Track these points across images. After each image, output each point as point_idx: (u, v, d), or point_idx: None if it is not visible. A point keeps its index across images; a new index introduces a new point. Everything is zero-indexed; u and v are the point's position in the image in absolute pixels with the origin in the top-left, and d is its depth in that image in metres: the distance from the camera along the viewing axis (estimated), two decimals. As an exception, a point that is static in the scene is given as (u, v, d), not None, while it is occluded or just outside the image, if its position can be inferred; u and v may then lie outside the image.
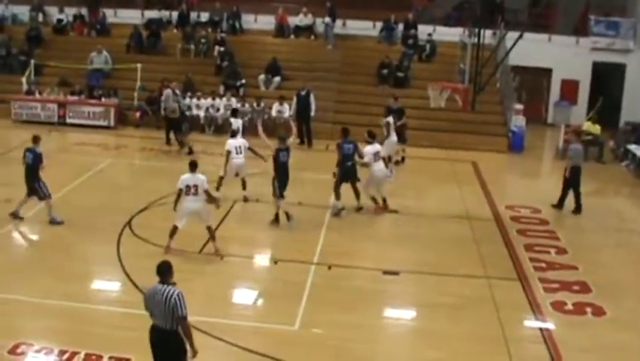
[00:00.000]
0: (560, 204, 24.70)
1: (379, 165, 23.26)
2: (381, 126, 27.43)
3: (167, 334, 11.68)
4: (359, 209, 23.24)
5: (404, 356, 14.89)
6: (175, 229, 19.04)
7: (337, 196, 22.91)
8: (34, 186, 21.32)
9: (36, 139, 21.82)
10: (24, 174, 21.48)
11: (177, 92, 32.26)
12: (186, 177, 18.95)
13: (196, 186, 18.80)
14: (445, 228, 22.53)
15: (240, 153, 23.69)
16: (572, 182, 24.42)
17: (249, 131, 31.07)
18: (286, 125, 32.42)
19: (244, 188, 24.07)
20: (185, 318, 11.63)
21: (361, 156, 22.88)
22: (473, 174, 29.07)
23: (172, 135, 31.28)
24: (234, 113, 29.90)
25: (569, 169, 24.34)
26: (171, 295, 11.56)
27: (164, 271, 11.88)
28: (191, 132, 33.02)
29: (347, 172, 22.87)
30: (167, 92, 31.68)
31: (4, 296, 16.54)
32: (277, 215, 22.04)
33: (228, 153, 23.59)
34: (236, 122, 28.37)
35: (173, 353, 11.82)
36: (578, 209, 24.48)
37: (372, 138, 23.59)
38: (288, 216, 21.88)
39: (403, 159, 29.81)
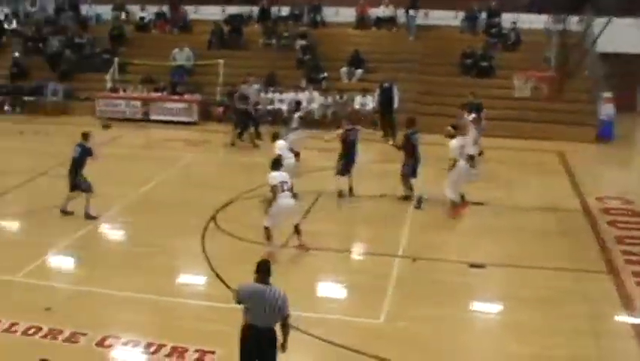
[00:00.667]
0: None
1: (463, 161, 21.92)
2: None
3: (267, 332, 11.76)
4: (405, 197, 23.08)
5: (490, 350, 14.64)
6: (268, 230, 18.32)
7: (410, 188, 22.61)
8: (75, 180, 21.34)
9: (85, 136, 21.73)
10: (69, 168, 21.50)
11: (255, 86, 32.20)
12: (276, 174, 18.36)
13: (286, 182, 18.34)
14: (532, 220, 22.12)
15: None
16: None
17: (333, 124, 31.03)
18: (369, 118, 32.39)
19: None
20: (289, 316, 11.87)
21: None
22: (560, 165, 28.51)
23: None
24: (299, 105, 29.36)
25: None
26: (279, 296, 11.73)
27: (265, 271, 11.93)
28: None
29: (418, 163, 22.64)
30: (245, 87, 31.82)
31: (91, 290, 16.84)
32: (341, 191, 23.05)
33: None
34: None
35: (271, 350, 11.90)
36: None
37: (457, 130, 22.18)
38: (341, 193, 23.14)
39: (480, 152, 28.00)
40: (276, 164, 18.69)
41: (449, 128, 21.97)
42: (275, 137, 22.94)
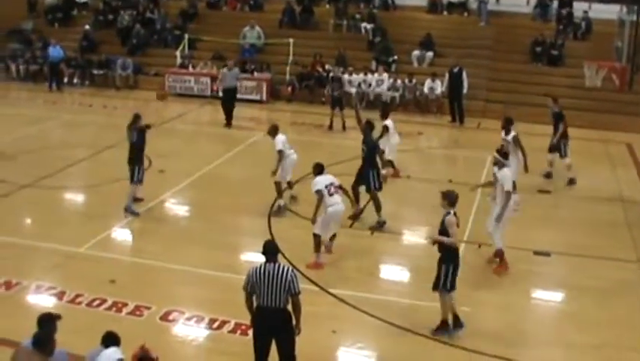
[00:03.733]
0: None
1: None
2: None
3: (279, 312, 11.78)
4: None
5: (551, 338, 14.70)
6: (318, 239, 17.37)
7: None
8: (135, 167, 20.13)
9: (137, 117, 20.42)
10: (128, 153, 20.37)
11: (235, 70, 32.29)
12: (320, 179, 17.48)
13: (333, 184, 17.40)
14: (597, 210, 22.06)
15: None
16: None
17: (400, 107, 31.19)
18: (438, 103, 32.41)
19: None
20: (299, 294, 11.78)
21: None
22: (628, 156, 28.29)
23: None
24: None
25: None
26: (287, 273, 11.71)
27: (272, 251, 11.96)
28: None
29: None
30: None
31: (156, 264, 17.23)
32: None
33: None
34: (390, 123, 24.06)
35: (287, 331, 11.94)
36: None
37: (505, 157, 17.97)
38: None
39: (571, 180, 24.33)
40: (319, 168, 17.89)
41: (496, 154, 17.94)
42: (274, 131, 21.37)
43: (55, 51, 37.25)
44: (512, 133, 21.83)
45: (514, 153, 21.06)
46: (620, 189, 24.02)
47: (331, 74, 32.96)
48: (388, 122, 23.53)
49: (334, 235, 17.75)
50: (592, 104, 32.30)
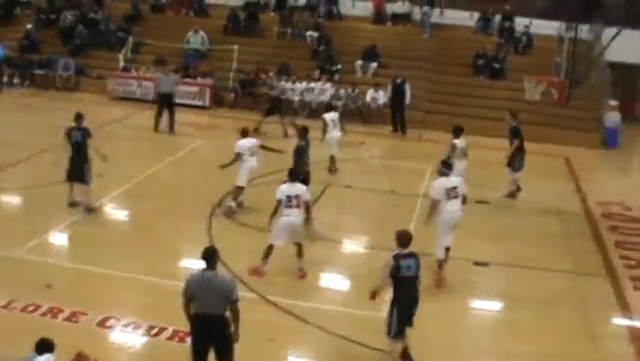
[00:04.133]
0: None
1: (455, 205, 17.51)
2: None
3: (217, 319, 11.81)
4: None
5: (488, 348, 14.96)
6: (270, 248, 17.27)
7: None
8: (83, 168, 20.34)
9: (79, 116, 20.68)
10: (70, 156, 20.53)
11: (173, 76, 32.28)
12: (285, 187, 17.25)
13: (297, 197, 17.12)
14: (536, 221, 22.43)
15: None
16: None
17: (342, 117, 31.37)
18: (380, 113, 32.67)
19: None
20: (238, 301, 11.80)
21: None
22: (565, 169, 28.83)
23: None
24: (330, 107, 27.27)
25: None
26: (226, 280, 11.84)
27: (211, 257, 11.92)
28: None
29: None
30: None
31: (94, 270, 17.03)
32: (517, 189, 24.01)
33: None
34: (331, 116, 25.47)
35: (225, 338, 11.95)
36: None
37: (448, 168, 18.02)
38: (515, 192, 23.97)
39: (518, 188, 24.73)
40: (292, 174, 17.69)
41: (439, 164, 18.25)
42: (241, 134, 21.76)
43: (-6, 50, 36.84)
44: (462, 140, 22.34)
45: (461, 161, 21.68)
46: (557, 201, 24.44)
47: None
48: (326, 115, 24.40)
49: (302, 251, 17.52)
50: (531, 118, 32.69)
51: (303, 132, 21.55)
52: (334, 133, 24.74)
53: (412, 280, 13.65)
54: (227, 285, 11.73)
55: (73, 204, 20.65)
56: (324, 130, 24.50)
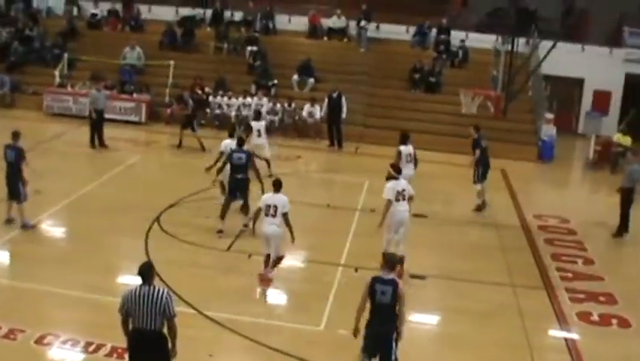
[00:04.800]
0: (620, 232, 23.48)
1: (403, 205, 18.74)
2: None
3: (154, 335, 11.64)
4: None
5: (427, 360, 14.89)
6: (268, 257, 17.92)
7: None
8: (17, 186, 20.15)
9: (16, 135, 20.54)
10: (5, 174, 20.43)
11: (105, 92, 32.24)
12: (267, 196, 17.84)
13: (275, 207, 17.57)
14: (472, 234, 22.61)
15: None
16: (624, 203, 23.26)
17: (279, 131, 31.35)
18: (317, 128, 32.66)
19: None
20: (175, 317, 11.66)
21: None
22: (502, 182, 28.98)
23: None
24: (258, 116, 27.89)
25: (625, 190, 23.26)
26: (162, 295, 11.56)
27: (147, 273, 11.77)
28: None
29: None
30: None
31: (32, 287, 16.75)
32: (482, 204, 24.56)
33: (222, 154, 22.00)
34: (258, 125, 26.49)
35: (162, 353, 11.79)
36: (620, 231, 23.41)
37: (397, 172, 19.16)
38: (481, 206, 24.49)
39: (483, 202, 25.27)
40: (277, 185, 17.99)
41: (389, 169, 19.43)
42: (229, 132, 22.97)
43: None
44: (409, 147, 22.60)
45: (407, 166, 21.99)
46: (494, 214, 24.56)
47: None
48: (254, 123, 25.01)
49: (274, 260, 17.85)
50: (468, 131, 32.91)
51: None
52: (261, 140, 24.79)
53: (384, 307, 12.81)
54: (164, 300, 11.52)
55: (9, 221, 20.36)
56: (250, 137, 24.59)
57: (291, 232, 17.63)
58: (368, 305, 12.91)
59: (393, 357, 12.74)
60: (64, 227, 21.65)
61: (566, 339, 16.24)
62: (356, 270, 18.42)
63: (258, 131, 25.80)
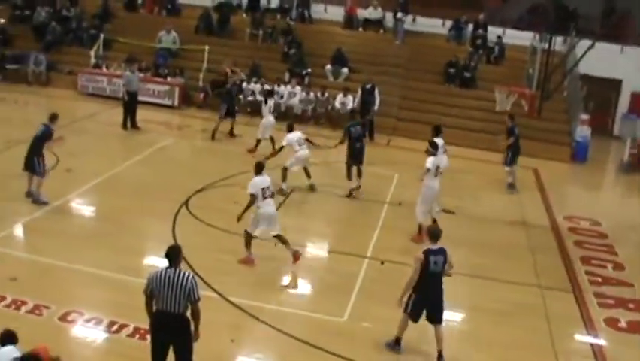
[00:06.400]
0: None
1: (437, 182, 20.56)
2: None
3: (177, 318, 11.74)
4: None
5: (449, 358, 14.74)
6: (250, 237, 17.87)
7: None
8: (33, 160, 20.42)
9: (53, 117, 20.94)
10: (29, 145, 20.72)
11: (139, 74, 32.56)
12: (258, 180, 17.71)
13: (269, 187, 17.79)
14: (501, 233, 22.34)
15: (303, 144, 23.62)
16: None
17: (312, 120, 31.30)
18: (349, 118, 32.47)
19: (309, 176, 23.98)
20: (199, 301, 11.74)
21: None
22: (533, 182, 28.71)
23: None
24: (270, 94, 30.34)
25: None
26: (187, 279, 11.64)
27: (175, 256, 11.90)
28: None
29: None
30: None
31: (59, 264, 16.89)
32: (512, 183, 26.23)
33: (282, 148, 23.95)
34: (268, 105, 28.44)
35: (184, 336, 11.90)
36: None
37: (435, 148, 20.83)
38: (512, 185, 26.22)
39: (513, 183, 26.91)
40: (259, 168, 18.00)
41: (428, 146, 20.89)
42: (288, 128, 24.09)
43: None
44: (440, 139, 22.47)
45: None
46: (523, 213, 24.33)
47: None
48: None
49: (283, 241, 18.07)
50: (501, 128, 32.64)
51: None
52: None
53: (438, 275, 14.43)
54: (189, 284, 11.60)
55: (28, 195, 20.61)
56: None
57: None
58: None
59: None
60: (93, 206, 21.72)
61: (592, 345, 16.04)
62: (382, 263, 18.35)
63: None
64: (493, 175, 27.60)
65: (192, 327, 11.83)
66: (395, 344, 14.66)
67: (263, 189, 17.53)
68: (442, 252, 14.42)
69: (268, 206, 17.65)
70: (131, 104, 30.38)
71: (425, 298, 14.44)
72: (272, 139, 27.11)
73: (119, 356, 13.62)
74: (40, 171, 20.47)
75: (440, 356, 14.47)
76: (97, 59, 37.41)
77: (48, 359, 10.70)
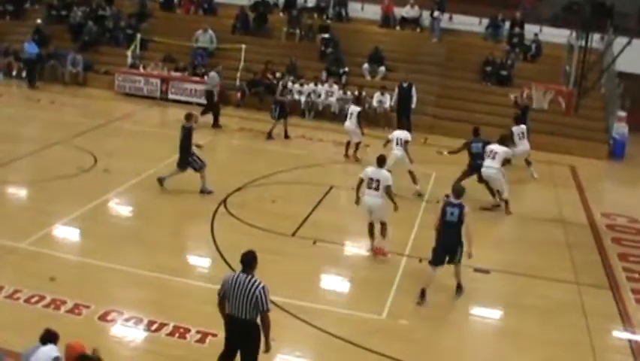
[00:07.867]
0: None
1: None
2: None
3: (245, 324, 11.76)
4: (496, 206, 23.45)
5: (488, 355, 14.86)
6: (371, 226, 18.98)
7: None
8: (188, 159, 22.14)
9: (188, 116, 22.62)
10: (178, 147, 22.27)
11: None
12: (370, 170, 18.79)
13: (378, 181, 18.50)
14: (539, 230, 22.31)
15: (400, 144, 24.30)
16: None
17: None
18: (386, 117, 32.56)
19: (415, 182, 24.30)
20: (268, 311, 11.70)
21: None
22: (571, 179, 28.64)
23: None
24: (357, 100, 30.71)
25: None
26: (256, 288, 11.62)
27: (249, 262, 11.96)
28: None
29: (475, 170, 23.31)
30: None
31: (98, 263, 17.03)
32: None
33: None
34: (354, 109, 27.92)
35: (251, 343, 11.89)
36: None
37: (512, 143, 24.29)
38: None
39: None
40: (380, 160, 18.97)
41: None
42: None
43: (30, 47, 36.93)
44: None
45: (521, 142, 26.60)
46: (561, 210, 24.29)
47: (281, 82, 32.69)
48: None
49: (382, 228, 18.94)
50: (538, 126, 32.49)
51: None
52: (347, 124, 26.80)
53: (453, 225, 16.34)
54: (257, 293, 11.60)
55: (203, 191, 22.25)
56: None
57: (394, 203, 18.78)
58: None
59: (458, 257, 16.63)
60: (131, 206, 21.86)
61: (630, 341, 16.01)
62: (420, 261, 18.31)
63: (351, 114, 27.20)
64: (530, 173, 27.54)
65: (261, 336, 11.83)
66: (420, 297, 16.42)
67: (370, 179, 18.55)
68: (459, 206, 16.39)
69: (366, 196, 18.69)
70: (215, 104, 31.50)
71: (443, 245, 16.50)
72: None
73: (158, 356, 13.70)
74: (200, 165, 22.16)
75: (459, 286, 17.05)
76: (134, 59, 37.71)
77: (83, 351, 10.83)
